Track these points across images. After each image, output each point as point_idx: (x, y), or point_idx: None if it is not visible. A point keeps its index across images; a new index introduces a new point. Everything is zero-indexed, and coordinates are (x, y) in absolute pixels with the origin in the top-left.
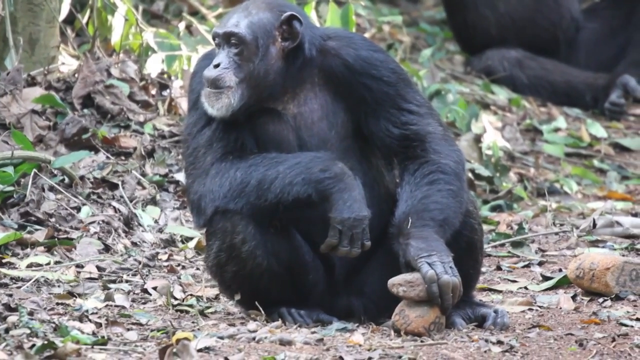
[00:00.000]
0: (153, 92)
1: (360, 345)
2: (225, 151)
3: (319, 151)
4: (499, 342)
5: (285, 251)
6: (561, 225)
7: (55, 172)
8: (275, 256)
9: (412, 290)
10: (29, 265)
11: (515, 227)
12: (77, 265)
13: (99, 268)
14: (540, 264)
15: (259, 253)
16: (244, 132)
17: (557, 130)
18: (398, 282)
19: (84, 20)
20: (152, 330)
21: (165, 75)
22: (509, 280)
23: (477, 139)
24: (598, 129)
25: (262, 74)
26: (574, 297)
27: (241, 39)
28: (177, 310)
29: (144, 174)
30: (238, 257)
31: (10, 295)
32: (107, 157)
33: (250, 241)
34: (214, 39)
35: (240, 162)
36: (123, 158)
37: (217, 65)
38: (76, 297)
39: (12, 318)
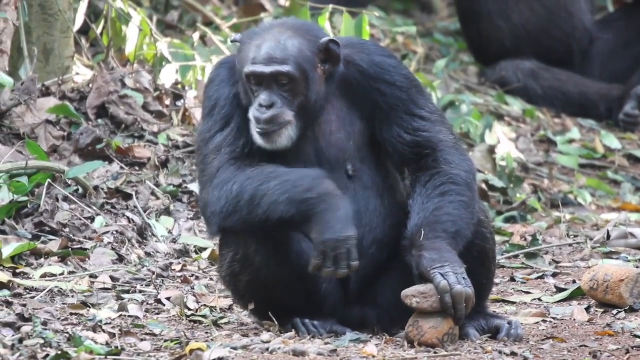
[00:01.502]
0: (167, 102)
1: (373, 357)
2: (232, 157)
3: (337, 160)
4: (513, 354)
5: (299, 261)
6: (575, 236)
7: (70, 182)
8: (288, 266)
9: (426, 301)
10: (43, 276)
11: (529, 238)
12: (91, 276)
13: (112, 278)
14: (554, 275)
15: (272, 263)
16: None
17: (571, 141)
18: (411, 294)
19: (99, 31)
20: (165, 341)
21: (180, 86)
22: (522, 291)
23: (491, 150)
24: (612, 141)
25: (312, 102)
26: (587, 309)
27: (291, 77)
28: (190, 321)
29: (157, 185)
30: (251, 267)
31: (24, 306)
32: (121, 168)
33: (263, 251)
34: (249, 77)
35: (239, 174)
36: (137, 168)
37: (269, 106)
38: (90, 308)
39: (26, 328)
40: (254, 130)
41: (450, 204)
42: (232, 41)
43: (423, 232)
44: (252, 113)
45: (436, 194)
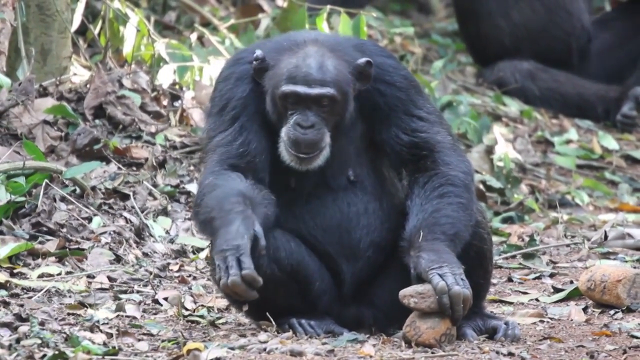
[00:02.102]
0: (165, 102)
1: (371, 357)
2: (222, 158)
3: (339, 166)
4: (510, 354)
5: (289, 259)
6: (572, 237)
7: (67, 182)
8: (277, 264)
9: (423, 301)
10: (40, 276)
11: (527, 238)
12: (88, 276)
13: (110, 278)
14: (552, 275)
15: (261, 262)
16: (256, 139)
17: (568, 142)
18: (409, 294)
19: (96, 31)
20: (163, 341)
21: (177, 86)
22: (520, 292)
23: (489, 151)
24: (609, 141)
25: (346, 120)
26: (585, 309)
27: (334, 99)
28: (188, 321)
29: (155, 185)
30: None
31: (22, 306)
32: (119, 168)
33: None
34: (286, 96)
35: (204, 180)
36: (134, 169)
37: (309, 127)
38: (87, 308)
39: (23, 328)
40: (286, 150)
41: (448, 206)
42: (255, 59)
43: (422, 234)
44: (288, 132)
45: (434, 195)
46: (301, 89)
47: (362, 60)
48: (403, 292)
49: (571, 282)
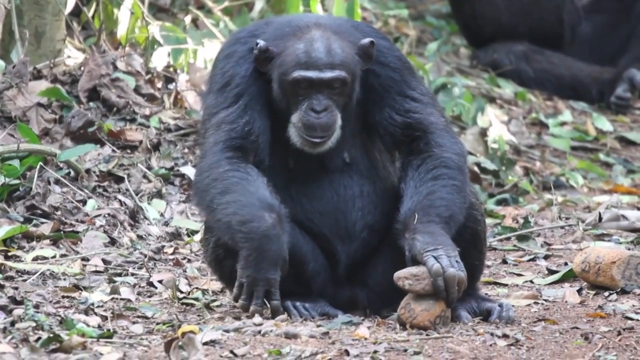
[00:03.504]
0: (159, 85)
1: (365, 339)
2: (228, 137)
3: (336, 147)
4: (505, 336)
5: None
6: (567, 218)
7: (61, 165)
8: None
9: (418, 283)
10: (35, 259)
11: (521, 220)
12: (83, 259)
13: (104, 261)
14: (546, 257)
15: None
16: (259, 119)
17: (563, 124)
18: (404, 276)
19: (90, 14)
20: (157, 324)
21: (171, 69)
22: (514, 274)
23: (483, 133)
24: (604, 123)
25: (354, 100)
26: (579, 291)
27: (345, 81)
28: (182, 304)
29: (149, 167)
30: (235, 251)
31: (16, 288)
32: (113, 151)
33: None
34: (297, 82)
35: (217, 167)
36: (129, 151)
37: (322, 110)
38: (82, 290)
39: (18, 311)
40: (298, 135)
41: (443, 188)
42: (258, 50)
43: (416, 216)
44: (301, 118)
45: (428, 177)
46: (313, 74)
47: (366, 40)
48: (398, 274)
49: (565, 263)
